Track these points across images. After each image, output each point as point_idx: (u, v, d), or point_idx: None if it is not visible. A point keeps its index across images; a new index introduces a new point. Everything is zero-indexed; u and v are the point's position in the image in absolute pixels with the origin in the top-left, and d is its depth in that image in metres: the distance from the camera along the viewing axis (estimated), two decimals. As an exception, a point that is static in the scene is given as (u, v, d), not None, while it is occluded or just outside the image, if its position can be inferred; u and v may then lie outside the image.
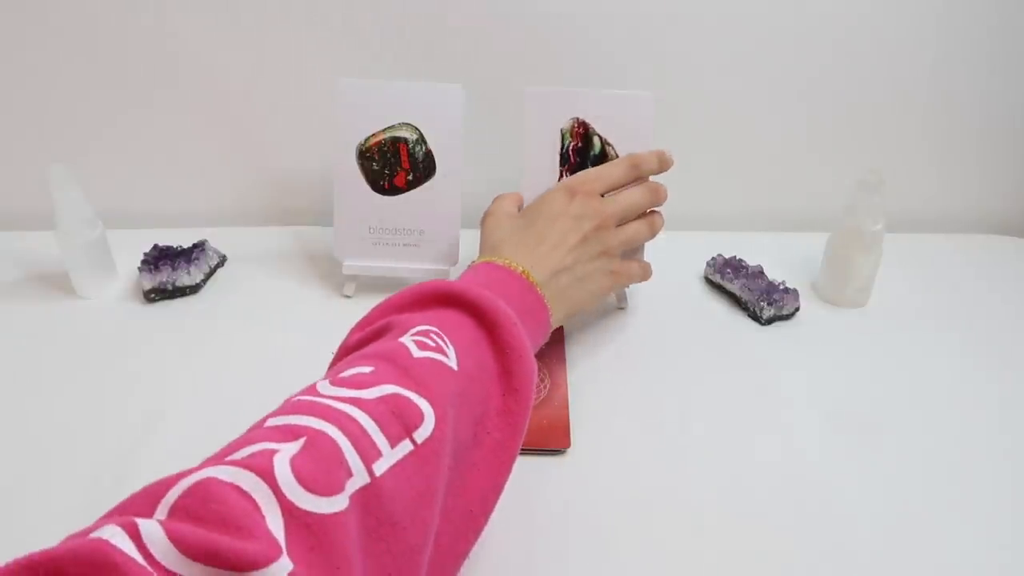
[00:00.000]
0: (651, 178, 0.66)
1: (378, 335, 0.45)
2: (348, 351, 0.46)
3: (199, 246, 0.75)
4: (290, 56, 0.79)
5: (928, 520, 0.52)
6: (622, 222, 0.63)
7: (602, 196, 0.62)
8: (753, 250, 0.77)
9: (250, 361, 0.65)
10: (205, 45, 0.78)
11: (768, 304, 0.71)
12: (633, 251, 0.68)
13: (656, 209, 0.67)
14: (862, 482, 0.55)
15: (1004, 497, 0.54)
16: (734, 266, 0.75)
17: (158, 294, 0.71)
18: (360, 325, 0.48)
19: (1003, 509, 0.53)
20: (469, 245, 0.78)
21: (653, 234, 0.66)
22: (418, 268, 0.73)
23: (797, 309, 0.73)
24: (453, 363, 0.42)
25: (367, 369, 0.40)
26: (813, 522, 0.52)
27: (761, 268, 0.75)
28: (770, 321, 0.72)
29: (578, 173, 0.63)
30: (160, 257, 0.72)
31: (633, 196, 0.63)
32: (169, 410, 0.59)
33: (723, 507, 0.52)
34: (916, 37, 0.82)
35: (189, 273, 0.72)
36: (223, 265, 0.77)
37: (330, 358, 0.65)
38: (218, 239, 0.78)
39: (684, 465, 0.56)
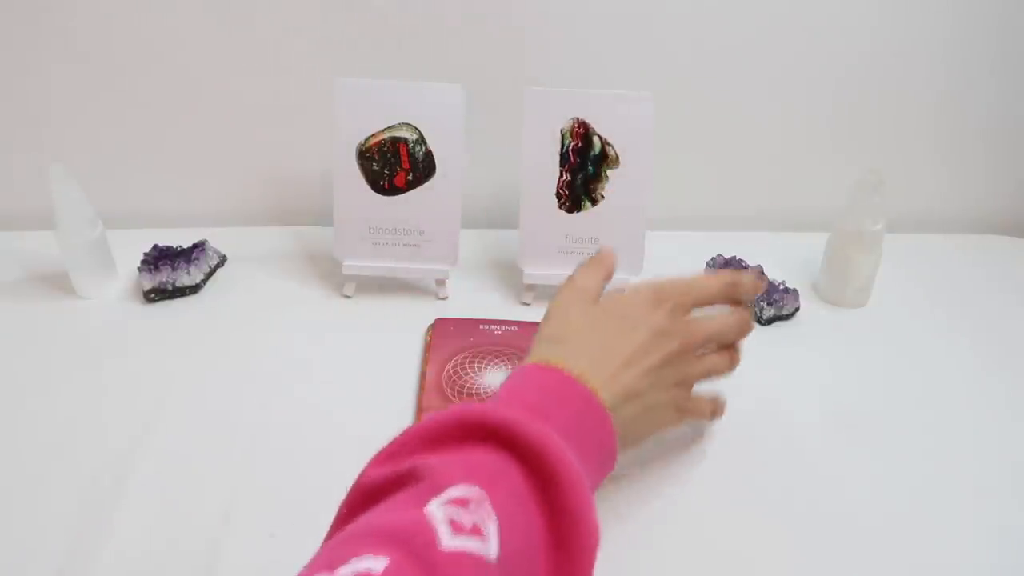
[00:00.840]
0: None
1: (401, 483, 0.36)
2: (364, 494, 0.37)
3: (199, 246, 0.75)
4: (290, 56, 0.79)
5: (929, 519, 0.52)
6: (704, 349, 0.54)
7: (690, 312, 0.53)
8: (753, 250, 0.77)
9: (250, 361, 0.65)
10: (205, 45, 0.77)
11: (768, 304, 0.71)
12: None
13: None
14: (862, 481, 0.55)
15: (1005, 496, 0.54)
16: (734, 266, 0.75)
17: (158, 294, 0.71)
18: (381, 458, 0.39)
19: (1004, 508, 0.53)
20: (469, 245, 0.78)
21: (731, 370, 0.55)
22: (418, 268, 0.73)
23: (797, 309, 0.73)
24: (493, 549, 0.33)
25: (378, 567, 0.30)
26: (813, 522, 0.52)
27: (761, 268, 0.75)
28: (770, 321, 0.72)
29: (669, 278, 0.53)
30: (160, 257, 0.72)
31: (727, 323, 0.54)
32: (169, 410, 0.59)
33: (723, 507, 0.52)
34: (916, 37, 0.82)
35: (189, 273, 0.72)
36: (223, 265, 0.77)
37: (330, 358, 0.65)
38: (218, 239, 0.78)
39: (683, 464, 0.56)
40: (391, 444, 0.39)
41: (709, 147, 0.86)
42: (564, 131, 0.69)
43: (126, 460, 0.54)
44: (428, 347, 0.66)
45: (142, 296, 0.71)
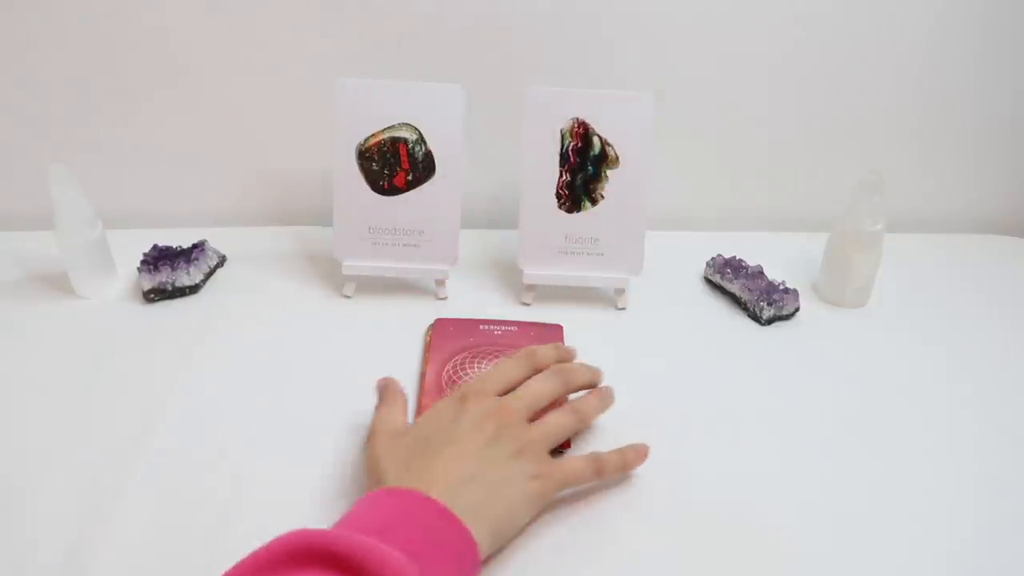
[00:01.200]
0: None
1: None
2: None
3: (199, 246, 0.75)
4: (290, 56, 0.79)
5: (929, 519, 0.52)
6: (534, 416, 0.52)
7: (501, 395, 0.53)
8: (753, 250, 0.77)
9: (250, 361, 0.64)
10: (205, 45, 0.78)
11: (768, 304, 0.71)
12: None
13: (582, 395, 0.56)
14: (862, 481, 0.55)
15: (1005, 496, 0.54)
16: (734, 266, 0.75)
17: (158, 294, 0.71)
18: None
19: (1004, 508, 0.53)
20: (469, 245, 0.78)
21: (582, 421, 0.54)
22: (417, 268, 0.73)
23: (797, 309, 0.73)
24: None
25: None
26: (813, 521, 0.52)
27: (761, 268, 0.75)
28: (770, 321, 0.72)
29: (467, 382, 0.55)
30: (160, 257, 0.72)
31: (534, 385, 0.54)
32: (168, 410, 0.59)
33: (723, 506, 0.52)
34: (916, 37, 0.82)
35: (189, 273, 0.72)
36: (223, 265, 0.77)
37: (330, 358, 0.65)
38: (218, 239, 0.78)
39: (683, 464, 0.56)
40: (229, 572, 0.38)
41: (709, 147, 0.86)
42: (564, 131, 0.69)
43: (126, 460, 0.54)
44: (428, 347, 0.66)
45: (142, 296, 0.71)
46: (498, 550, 0.47)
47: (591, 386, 0.57)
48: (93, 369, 0.63)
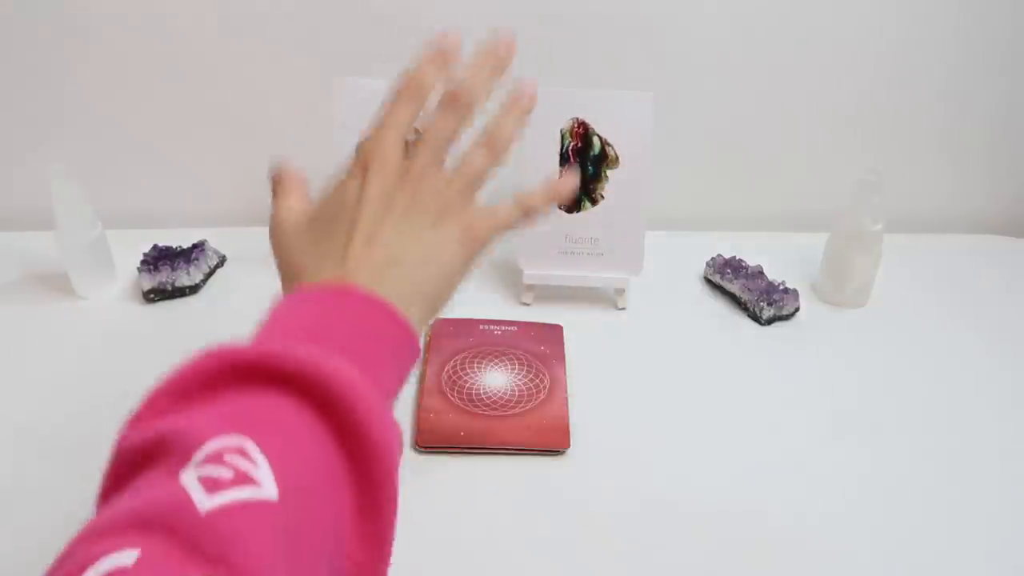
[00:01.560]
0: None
1: (148, 458, 0.32)
2: (120, 463, 0.33)
3: (199, 246, 0.75)
4: (290, 56, 0.79)
5: (929, 519, 0.52)
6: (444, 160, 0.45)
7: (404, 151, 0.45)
8: (753, 250, 0.77)
9: (250, 361, 0.64)
10: (205, 45, 0.77)
11: (768, 304, 0.71)
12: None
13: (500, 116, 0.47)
14: (862, 481, 0.55)
15: (1005, 496, 0.54)
16: (734, 266, 0.75)
17: (158, 294, 0.71)
18: (134, 421, 0.35)
19: (1004, 508, 0.53)
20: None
21: (498, 152, 0.46)
22: (418, 268, 0.73)
23: (797, 309, 0.73)
24: (269, 491, 0.29)
25: (128, 560, 0.25)
26: (813, 521, 0.52)
27: (761, 268, 0.75)
28: (770, 321, 0.72)
29: (364, 142, 0.47)
30: (160, 257, 0.72)
31: (435, 127, 0.45)
32: (169, 410, 0.59)
33: (723, 507, 0.52)
34: (916, 37, 0.82)
35: (189, 273, 0.72)
36: (223, 265, 0.77)
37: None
38: (218, 239, 0.78)
39: (684, 465, 0.56)
40: (141, 405, 0.35)
41: (709, 147, 0.86)
42: (564, 131, 0.69)
43: (126, 460, 0.54)
44: (427, 347, 0.66)
45: (142, 296, 0.71)
46: (432, 320, 0.43)
47: (492, 82, 0.48)
48: (93, 369, 0.63)
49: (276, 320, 0.38)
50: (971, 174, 0.91)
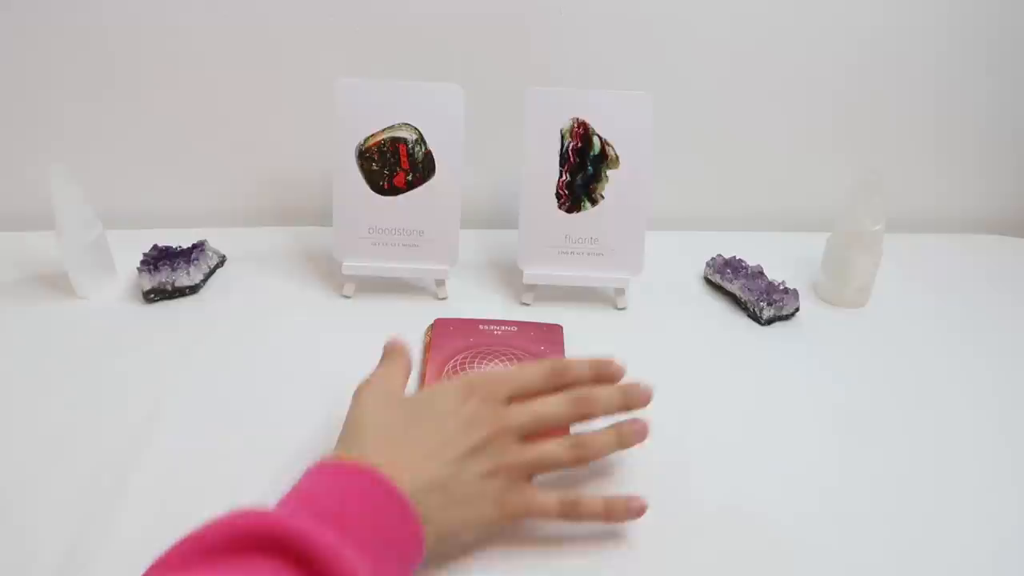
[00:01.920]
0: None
1: None
2: None
3: (199, 246, 0.75)
4: (290, 56, 0.79)
5: (929, 519, 0.52)
6: (532, 437, 0.49)
7: (509, 402, 0.49)
8: (753, 250, 0.77)
9: (249, 361, 0.64)
10: (205, 45, 0.78)
11: (768, 304, 0.71)
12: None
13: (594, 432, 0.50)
14: (862, 482, 0.55)
15: (1005, 496, 0.54)
16: (734, 266, 0.75)
17: (157, 294, 0.71)
18: (158, 570, 0.36)
19: (1004, 508, 0.53)
20: (469, 245, 0.78)
21: (580, 459, 0.49)
22: (417, 268, 0.73)
23: (797, 309, 0.73)
24: None
25: None
26: (813, 522, 0.52)
27: (761, 268, 0.75)
28: (770, 321, 0.72)
29: (485, 371, 0.51)
30: (160, 257, 0.72)
31: (548, 405, 0.49)
32: (168, 410, 0.59)
33: (723, 507, 0.52)
34: (916, 37, 0.82)
35: (188, 273, 0.72)
36: (223, 265, 0.77)
37: (330, 358, 0.65)
38: (218, 239, 0.78)
39: (683, 465, 0.56)
40: (169, 554, 0.36)
41: (709, 147, 0.86)
42: (564, 131, 0.69)
43: (126, 460, 0.54)
44: (428, 347, 0.66)
45: (142, 296, 0.71)
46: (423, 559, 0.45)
47: (621, 410, 0.51)
48: (93, 369, 0.63)
49: (313, 485, 0.42)
50: (971, 174, 0.91)
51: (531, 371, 0.50)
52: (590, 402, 0.50)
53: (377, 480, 0.42)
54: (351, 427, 0.48)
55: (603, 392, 0.50)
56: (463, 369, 0.63)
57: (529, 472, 0.48)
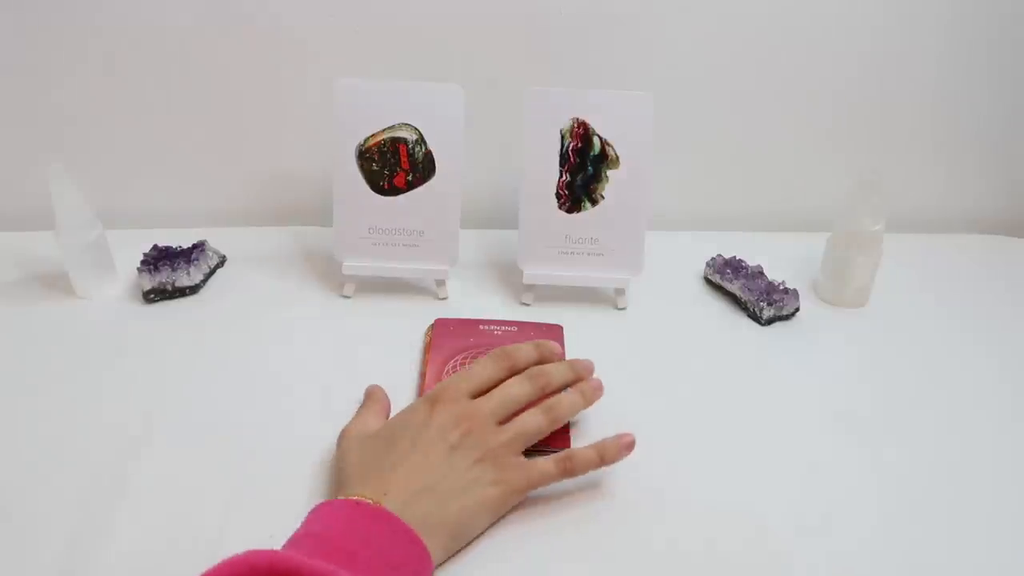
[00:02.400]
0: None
1: None
2: None
3: (199, 246, 0.75)
4: (290, 56, 0.79)
5: (928, 519, 0.52)
6: (507, 418, 0.52)
7: (473, 398, 0.52)
8: (753, 250, 0.77)
9: (249, 362, 0.64)
10: (205, 45, 0.78)
11: (768, 304, 0.71)
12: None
13: (567, 391, 0.54)
14: (862, 482, 0.55)
15: (1005, 496, 0.54)
16: (734, 266, 0.75)
17: (158, 294, 0.71)
18: None
19: (1004, 508, 0.53)
20: (469, 245, 0.78)
21: (555, 421, 0.52)
22: (418, 268, 0.73)
23: (797, 309, 0.73)
24: None
25: None
26: (813, 521, 0.52)
27: (761, 268, 0.75)
28: (770, 321, 0.72)
29: (442, 381, 0.54)
30: (160, 257, 0.72)
31: (510, 387, 0.53)
32: (168, 410, 0.59)
33: (723, 507, 0.52)
34: (916, 38, 0.82)
35: (189, 274, 0.72)
36: (223, 265, 0.77)
37: (330, 358, 0.65)
38: (218, 239, 0.78)
39: (683, 465, 0.56)
40: None
41: (709, 147, 0.86)
42: (564, 131, 0.69)
43: (126, 460, 0.54)
44: (428, 347, 0.66)
45: (142, 296, 0.71)
46: (454, 554, 0.47)
47: (575, 383, 0.55)
48: (93, 370, 0.63)
49: (312, 521, 0.44)
50: (971, 174, 0.91)
51: (483, 365, 0.54)
52: (545, 375, 0.54)
53: (360, 507, 0.44)
54: (337, 472, 0.51)
55: (553, 367, 0.55)
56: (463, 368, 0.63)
57: (516, 448, 0.51)
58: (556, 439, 0.56)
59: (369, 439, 0.51)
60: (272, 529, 0.49)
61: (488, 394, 0.52)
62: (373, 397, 0.57)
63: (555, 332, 0.68)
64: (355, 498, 0.45)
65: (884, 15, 0.80)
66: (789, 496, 0.54)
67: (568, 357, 0.65)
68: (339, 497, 0.46)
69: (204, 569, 0.38)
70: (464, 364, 0.63)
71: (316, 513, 0.45)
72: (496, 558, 0.48)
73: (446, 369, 0.63)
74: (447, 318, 0.69)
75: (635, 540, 0.50)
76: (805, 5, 0.79)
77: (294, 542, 0.43)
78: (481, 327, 0.68)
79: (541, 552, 0.49)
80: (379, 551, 0.42)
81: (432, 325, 0.68)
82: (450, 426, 0.50)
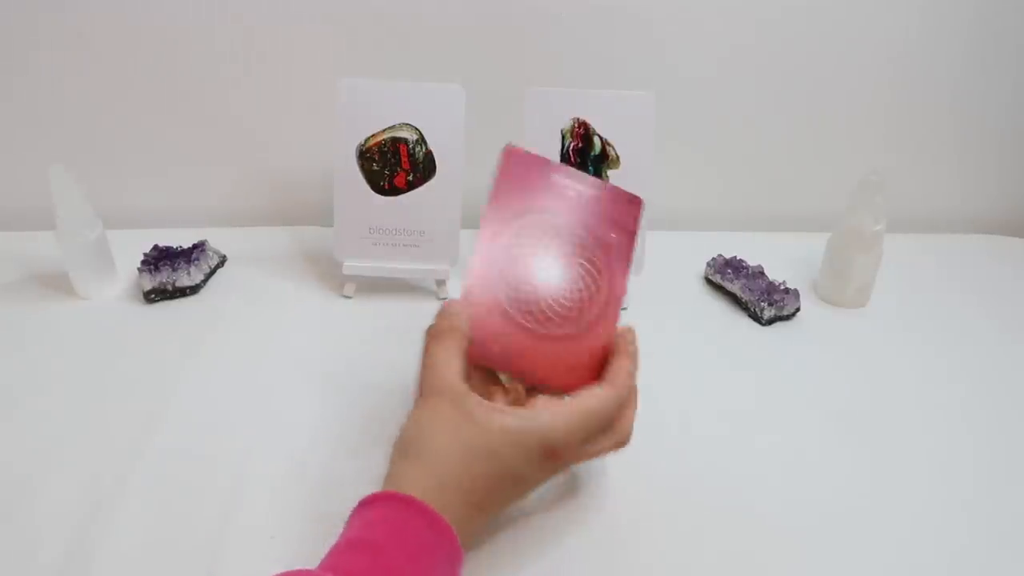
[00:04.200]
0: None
1: None
2: None
3: (199, 246, 0.75)
4: (290, 56, 0.79)
5: (927, 519, 0.52)
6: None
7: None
8: (753, 250, 0.77)
9: (250, 362, 0.64)
10: (205, 45, 0.78)
11: (768, 304, 0.71)
12: None
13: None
14: (862, 481, 0.55)
15: (1004, 496, 0.54)
16: (734, 266, 0.75)
17: (158, 294, 0.71)
18: None
19: (1003, 508, 0.53)
20: (469, 245, 0.78)
21: (618, 448, 0.49)
22: (418, 268, 0.73)
23: (798, 309, 0.73)
24: None
25: None
26: (813, 521, 0.52)
27: (761, 268, 0.75)
28: (770, 321, 0.72)
29: (566, 435, 0.45)
30: (160, 257, 0.72)
31: (600, 446, 0.48)
32: (169, 410, 0.59)
33: (723, 506, 0.52)
34: (917, 38, 0.82)
35: (189, 274, 0.72)
36: (223, 265, 0.77)
37: (330, 358, 0.65)
38: (218, 239, 0.78)
39: (683, 465, 0.56)
40: None
41: (709, 147, 0.86)
42: (564, 131, 0.69)
43: (126, 460, 0.54)
44: (496, 183, 0.53)
45: (142, 296, 0.71)
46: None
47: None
48: (94, 370, 0.63)
49: (377, 523, 0.41)
50: (971, 174, 0.91)
51: (599, 444, 0.48)
52: (623, 435, 0.50)
53: (445, 536, 0.41)
54: (410, 437, 0.45)
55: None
56: (519, 246, 0.51)
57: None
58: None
59: (466, 425, 0.44)
60: (273, 529, 0.49)
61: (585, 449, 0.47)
62: (451, 319, 0.49)
63: (634, 209, 0.54)
64: (440, 520, 0.41)
65: (884, 15, 0.80)
66: (789, 495, 0.54)
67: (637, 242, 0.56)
68: (411, 480, 0.42)
69: (204, 569, 0.38)
70: (523, 237, 0.52)
71: (387, 506, 0.42)
72: (493, 560, 0.48)
73: (502, 240, 0.51)
74: (523, 150, 0.54)
75: (635, 540, 0.50)
76: (805, 6, 0.79)
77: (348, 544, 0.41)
78: (554, 176, 0.53)
79: (541, 551, 0.49)
80: (418, 549, 0.40)
81: (505, 152, 0.54)
82: (547, 473, 0.47)
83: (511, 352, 0.49)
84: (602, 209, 0.53)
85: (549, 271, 0.51)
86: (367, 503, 0.43)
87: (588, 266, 0.51)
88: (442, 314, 0.50)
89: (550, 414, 0.45)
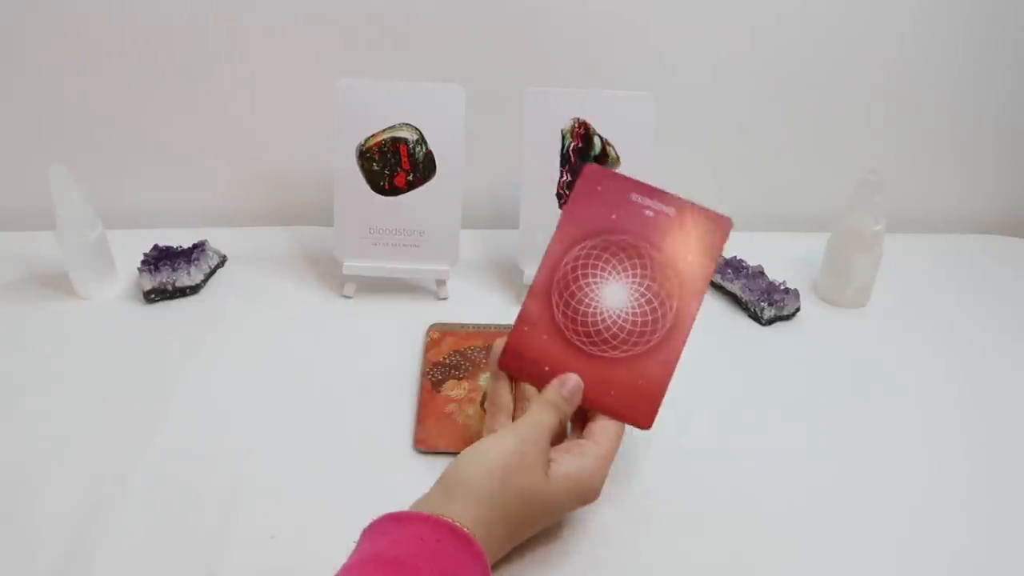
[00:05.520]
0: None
1: None
2: None
3: (199, 246, 0.75)
4: (290, 56, 0.79)
5: (927, 519, 0.52)
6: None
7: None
8: (753, 250, 0.77)
9: (250, 361, 0.64)
10: (205, 45, 0.78)
11: (769, 304, 0.71)
12: None
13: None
14: (862, 481, 0.55)
15: (1003, 495, 0.54)
16: (734, 266, 0.75)
17: (158, 294, 0.71)
18: None
19: (1002, 508, 0.53)
20: (469, 245, 0.78)
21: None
22: (418, 268, 0.73)
23: (798, 309, 0.73)
24: None
25: None
26: (813, 521, 0.52)
27: (761, 268, 0.75)
28: (770, 321, 0.72)
29: (603, 479, 0.48)
30: (160, 257, 0.72)
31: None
32: (169, 410, 0.59)
33: (723, 506, 0.52)
34: (918, 39, 0.82)
35: (189, 273, 0.72)
36: (223, 265, 0.77)
37: (330, 358, 0.65)
38: (218, 239, 0.78)
39: (684, 464, 0.56)
40: None
41: (709, 147, 0.86)
42: (564, 131, 0.69)
43: (126, 460, 0.54)
44: (567, 206, 0.52)
45: (142, 296, 0.71)
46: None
47: None
48: (94, 370, 0.63)
49: (415, 541, 0.41)
50: (970, 174, 0.91)
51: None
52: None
53: (452, 531, 0.42)
54: (459, 473, 0.45)
55: None
56: (584, 266, 0.51)
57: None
58: (642, 409, 0.50)
59: (510, 493, 0.45)
60: (273, 529, 0.49)
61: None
62: (498, 404, 0.51)
63: (718, 231, 0.53)
64: (479, 553, 0.42)
65: (884, 15, 0.80)
66: (789, 495, 0.54)
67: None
68: (459, 510, 0.43)
69: (204, 569, 0.38)
70: (588, 257, 0.52)
71: (429, 527, 0.42)
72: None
73: (566, 260, 0.52)
74: (598, 168, 0.53)
75: (634, 540, 0.50)
76: (805, 6, 0.79)
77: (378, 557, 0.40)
78: (632, 196, 0.52)
79: (541, 550, 0.49)
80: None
81: (583, 171, 0.53)
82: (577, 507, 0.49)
83: (555, 369, 0.50)
84: (681, 230, 0.52)
85: (609, 294, 0.50)
86: (401, 520, 0.42)
87: (655, 289, 0.51)
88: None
89: (593, 459, 0.47)
